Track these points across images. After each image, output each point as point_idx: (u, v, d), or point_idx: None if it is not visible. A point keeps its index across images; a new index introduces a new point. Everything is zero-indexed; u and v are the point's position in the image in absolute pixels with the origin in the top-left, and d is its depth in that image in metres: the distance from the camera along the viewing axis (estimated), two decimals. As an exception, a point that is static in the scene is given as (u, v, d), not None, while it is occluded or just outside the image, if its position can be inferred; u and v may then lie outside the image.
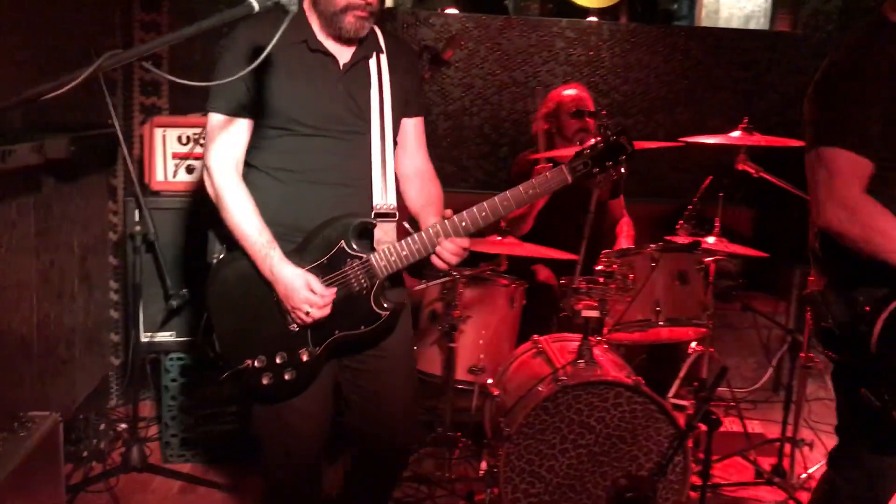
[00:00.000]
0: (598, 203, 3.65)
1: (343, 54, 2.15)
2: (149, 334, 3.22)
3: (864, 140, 1.96)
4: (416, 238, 2.12)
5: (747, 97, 5.11)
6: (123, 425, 3.49)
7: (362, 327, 2.15)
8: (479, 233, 4.39)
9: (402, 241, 2.12)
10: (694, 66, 5.06)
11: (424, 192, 2.31)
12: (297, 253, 2.12)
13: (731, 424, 3.75)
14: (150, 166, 3.24)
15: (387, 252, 2.11)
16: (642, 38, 5.03)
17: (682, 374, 3.65)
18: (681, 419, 3.35)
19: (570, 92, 3.81)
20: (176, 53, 3.91)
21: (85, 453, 3.20)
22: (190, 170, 3.23)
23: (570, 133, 3.73)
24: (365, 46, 2.17)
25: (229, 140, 2.10)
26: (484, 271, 3.31)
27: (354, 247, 2.11)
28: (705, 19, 6.76)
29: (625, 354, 3.46)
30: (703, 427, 2.57)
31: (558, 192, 3.63)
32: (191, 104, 3.66)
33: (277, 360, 2.13)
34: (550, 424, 2.73)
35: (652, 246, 3.02)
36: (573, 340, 3.06)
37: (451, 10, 5.49)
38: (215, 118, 2.10)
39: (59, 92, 1.22)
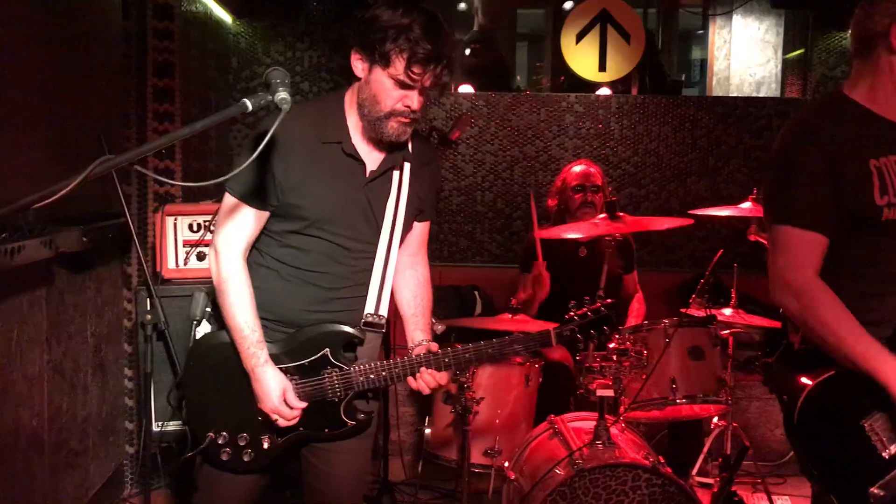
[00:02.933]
0: (611, 279, 3.64)
1: (372, 161, 2.15)
2: (160, 423, 3.19)
3: (815, 216, 1.95)
4: (399, 363, 2.17)
5: (760, 164, 5.11)
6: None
7: (326, 430, 2.21)
8: (491, 311, 4.35)
9: (385, 362, 2.17)
10: (705, 136, 5.08)
11: (417, 297, 2.36)
12: (281, 347, 2.16)
13: (759, 501, 3.62)
14: (161, 255, 3.26)
15: (367, 368, 2.16)
16: (651, 109, 5.07)
17: (705, 450, 3.55)
18: (705, 498, 3.24)
19: (576, 169, 3.82)
20: (190, 141, 4.00)
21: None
22: (201, 257, 3.25)
23: (574, 208, 3.73)
24: (394, 155, 2.17)
25: (242, 227, 2.12)
26: (497, 350, 3.26)
27: (338, 357, 2.16)
28: (717, 87, 6.84)
29: (645, 432, 3.38)
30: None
31: (570, 269, 3.70)
32: (204, 191, 3.72)
33: (240, 441, 2.18)
34: (568, 510, 2.65)
35: (665, 321, 2.98)
36: (590, 420, 2.99)
37: (465, 87, 5.59)
38: (234, 203, 2.12)
39: (46, 202, 1.23)
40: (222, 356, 2.17)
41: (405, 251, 2.33)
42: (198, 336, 2.32)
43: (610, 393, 2.84)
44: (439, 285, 4.49)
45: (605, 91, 5.38)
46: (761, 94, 6.25)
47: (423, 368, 2.16)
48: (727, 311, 3.45)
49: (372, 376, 2.16)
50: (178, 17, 3.87)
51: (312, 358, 2.15)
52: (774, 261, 1.99)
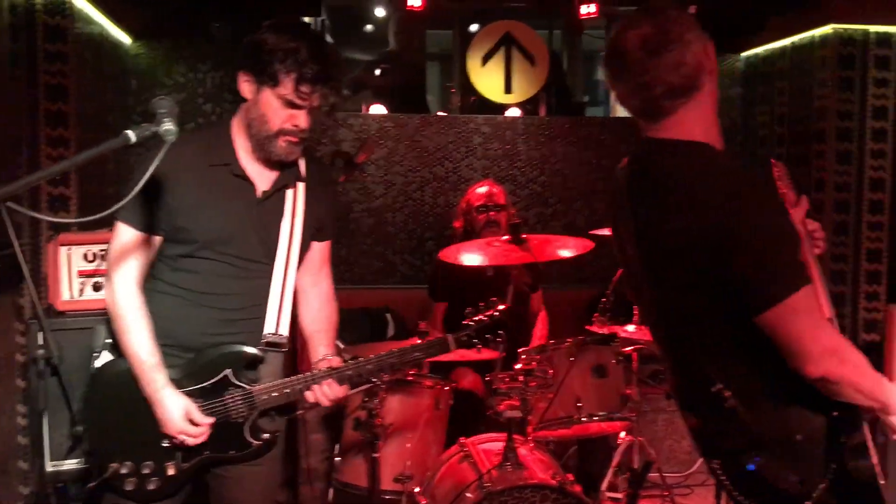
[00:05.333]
0: (519, 297, 3.68)
1: (263, 181, 2.17)
2: (55, 463, 3.05)
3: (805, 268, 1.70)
4: (301, 378, 2.18)
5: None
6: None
7: (232, 452, 2.20)
8: (405, 333, 4.32)
9: (287, 380, 2.18)
10: (608, 155, 5.21)
11: (321, 314, 2.38)
12: (182, 371, 2.15)
13: (666, 513, 3.70)
14: (54, 286, 3.13)
15: (269, 387, 2.17)
16: (556, 130, 5.17)
17: (613, 464, 3.61)
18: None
19: (480, 190, 3.88)
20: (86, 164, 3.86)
21: None
22: (97, 287, 3.13)
23: (478, 228, 3.78)
24: (286, 174, 2.20)
25: (135, 255, 2.13)
26: (406, 375, 3.25)
27: (239, 377, 2.16)
28: (619, 106, 7.01)
29: (555, 449, 3.42)
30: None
31: (477, 289, 3.72)
32: (101, 220, 3.59)
33: (144, 470, 2.15)
34: (478, 533, 2.65)
35: (569, 340, 3.03)
36: (500, 441, 3.00)
37: (378, 107, 5.58)
38: (125, 230, 2.12)
39: None
40: (122, 385, 2.15)
41: (307, 271, 2.35)
42: (97, 367, 2.26)
43: (517, 414, 2.87)
44: (350, 308, 4.46)
45: (515, 111, 5.46)
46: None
47: (323, 381, 2.18)
48: (630, 328, 3.53)
49: (274, 394, 2.16)
50: (72, 38, 3.74)
51: (214, 380, 2.15)
52: (803, 332, 1.64)
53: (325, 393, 2.18)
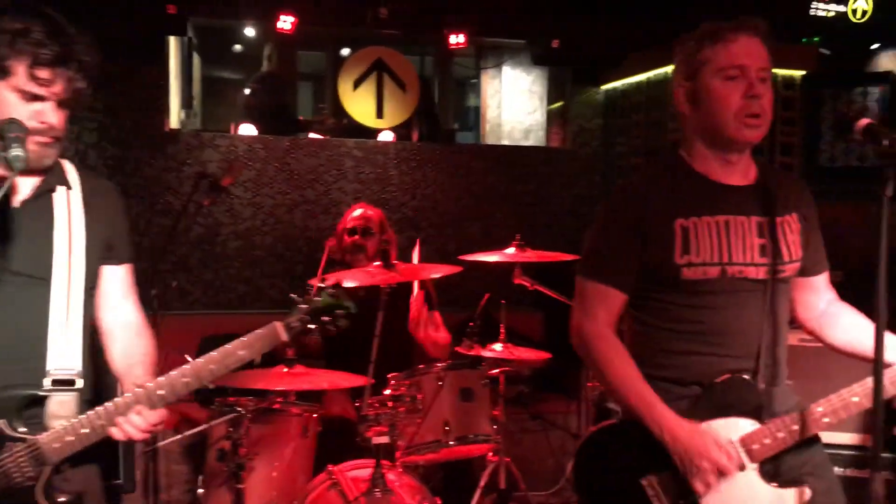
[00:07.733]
0: (391, 322, 3.67)
1: (23, 187, 1.82)
2: None
3: (609, 270, 1.98)
4: (101, 412, 1.76)
5: (528, 209, 5.44)
6: None
7: None
8: (266, 363, 4.25)
9: (84, 417, 1.76)
10: (478, 182, 5.33)
11: (130, 349, 1.97)
12: None
13: (533, 532, 3.79)
14: None
15: (61, 431, 1.75)
16: (427, 156, 5.25)
17: (481, 486, 3.67)
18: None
19: (354, 213, 3.84)
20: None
21: None
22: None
23: (345, 250, 3.74)
24: (48, 179, 1.83)
25: None
26: (273, 402, 3.19)
27: (17, 427, 1.75)
28: (490, 133, 7.22)
29: (423, 473, 3.44)
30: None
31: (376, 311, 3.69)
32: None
33: None
34: (346, 562, 2.63)
35: (438, 365, 3.07)
36: (368, 467, 2.99)
37: (248, 127, 5.48)
38: None
39: None
40: None
41: (106, 304, 1.98)
42: None
43: (385, 440, 2.87)
44: (216, 335, 4.34)
45: (388, 135, 5.51)
46: (530, 141, 6.68)
47: (131, 409, 1.76)
48: (498, 347, 3.61)
49: (69, 439, 1.74)
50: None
51: None
52: (573, 310, 2.01)
53: (136, 423, 1.76)
